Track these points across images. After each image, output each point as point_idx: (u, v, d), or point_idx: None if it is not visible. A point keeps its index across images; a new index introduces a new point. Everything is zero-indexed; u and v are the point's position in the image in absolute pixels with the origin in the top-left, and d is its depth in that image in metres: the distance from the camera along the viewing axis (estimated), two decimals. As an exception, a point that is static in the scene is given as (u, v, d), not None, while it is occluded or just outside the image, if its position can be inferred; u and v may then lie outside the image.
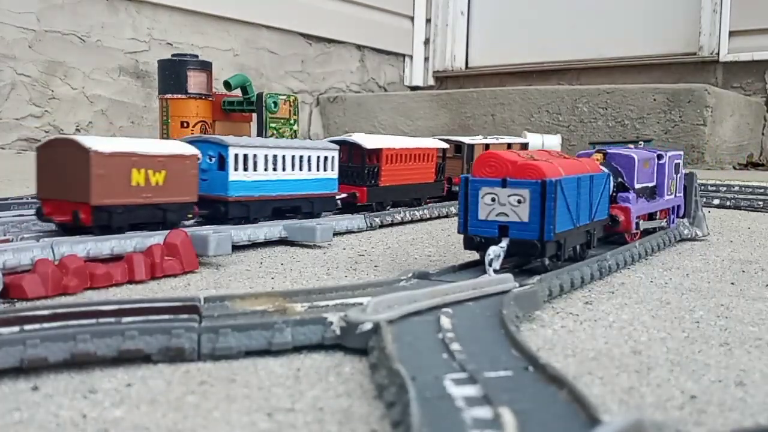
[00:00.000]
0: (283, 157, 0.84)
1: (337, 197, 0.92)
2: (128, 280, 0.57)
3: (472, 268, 0.58)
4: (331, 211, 0.92)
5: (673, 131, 2.31)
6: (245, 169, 0.79)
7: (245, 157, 0.79)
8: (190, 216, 0.73)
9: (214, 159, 0.78)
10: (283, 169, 0.84)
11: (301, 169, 0.86)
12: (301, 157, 0.86)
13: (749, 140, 2.60)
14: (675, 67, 2.80)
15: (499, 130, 2.63)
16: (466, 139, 1.23)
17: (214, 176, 0.78)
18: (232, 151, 0.77)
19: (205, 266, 0.64)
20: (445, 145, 1.14)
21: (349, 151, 0.97)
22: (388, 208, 0.99)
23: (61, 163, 0.65)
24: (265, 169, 0.82)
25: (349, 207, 0.95)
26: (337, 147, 0.92)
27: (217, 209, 0.77)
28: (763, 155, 2.66)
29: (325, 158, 0.90)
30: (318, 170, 0.89)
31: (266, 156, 0.82)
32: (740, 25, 2.63)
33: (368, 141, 0.98)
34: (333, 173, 0.91)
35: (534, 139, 1.52)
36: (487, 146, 1.26)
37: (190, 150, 0.72)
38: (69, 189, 0.65)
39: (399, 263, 0.68)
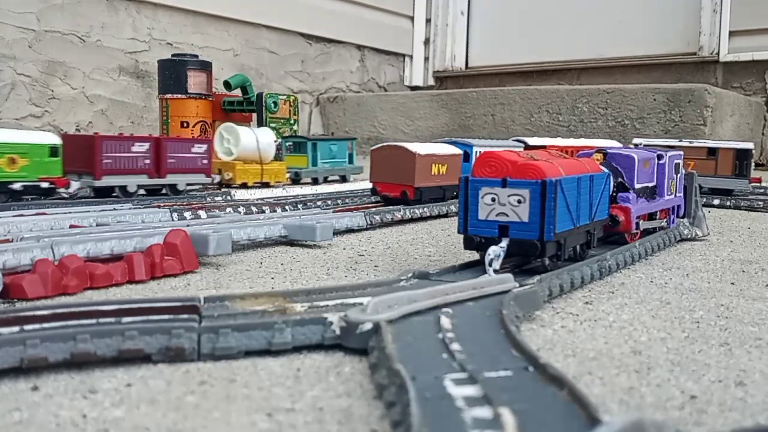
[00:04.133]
0: None
1: None
2: (128, 280, 0.57)
3: (472, 268, 0.58)
4: None
5: (673, 131, 2.31)
6: None
7: (480, 152, 1.07)
8: (455, 193, 1.06)
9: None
10: None
11: None
12: None
13: (749, 140, 2.60)
14: (675, 67, 2.80)
15: (499, 130, 2.63)
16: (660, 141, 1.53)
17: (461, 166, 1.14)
18: (475, 149, 1.16)
19: (205, 266, 0.64)
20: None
21: (525, 148, 1.29)
22: None
23: (393, 160, 1.03)
24: None
25: None
26: (522, 144, 1.30)
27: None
28: (763, 155, 2.66)
29: None
30: None
31: None
32: (740, 25, 2.62)
33: (533, 140, 1.37)
34: None
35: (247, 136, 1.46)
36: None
37: (458, 151, 1.12)
38: (399, 176, 1.03)
39: (399, 263, 0.68)
